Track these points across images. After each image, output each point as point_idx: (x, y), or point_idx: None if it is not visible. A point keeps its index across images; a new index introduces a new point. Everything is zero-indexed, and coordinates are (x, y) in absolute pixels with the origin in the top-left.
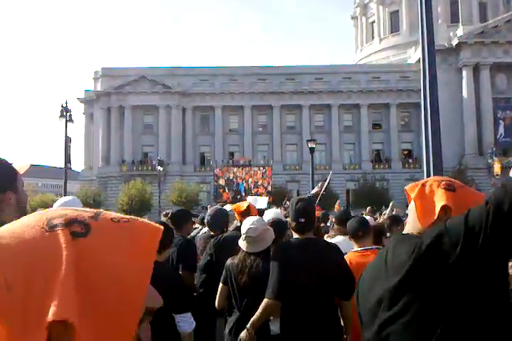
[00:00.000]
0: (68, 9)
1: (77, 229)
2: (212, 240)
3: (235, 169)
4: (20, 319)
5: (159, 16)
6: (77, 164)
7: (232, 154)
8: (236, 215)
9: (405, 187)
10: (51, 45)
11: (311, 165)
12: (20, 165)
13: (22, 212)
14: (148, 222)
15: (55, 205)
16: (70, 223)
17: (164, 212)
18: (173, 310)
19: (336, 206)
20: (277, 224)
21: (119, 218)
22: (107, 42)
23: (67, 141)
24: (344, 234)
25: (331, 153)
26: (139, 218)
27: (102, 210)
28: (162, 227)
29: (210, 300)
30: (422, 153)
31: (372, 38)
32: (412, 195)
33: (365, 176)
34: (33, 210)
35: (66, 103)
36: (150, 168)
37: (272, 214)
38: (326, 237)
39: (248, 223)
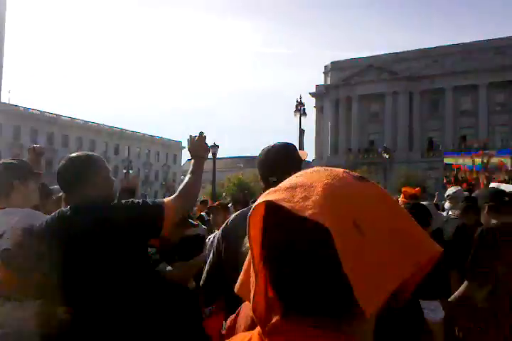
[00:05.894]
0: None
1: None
2: None
3: (467, 159)
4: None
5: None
6: (309, 154)
7: (464, 137)
8: (402, 198)
9: None
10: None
11: None
12: (303, 152)
13: None
14: None
15: None
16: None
17: None
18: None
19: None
20: None
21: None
22: (336, 36)
23: (302, 133)
24: None
25: None
26: None
27: None
28: None
29: None
30: None
31: None
32: None
33: None
34: None
35: (300, 98)
36: (376, 155)
37: None
38: None
39: None
